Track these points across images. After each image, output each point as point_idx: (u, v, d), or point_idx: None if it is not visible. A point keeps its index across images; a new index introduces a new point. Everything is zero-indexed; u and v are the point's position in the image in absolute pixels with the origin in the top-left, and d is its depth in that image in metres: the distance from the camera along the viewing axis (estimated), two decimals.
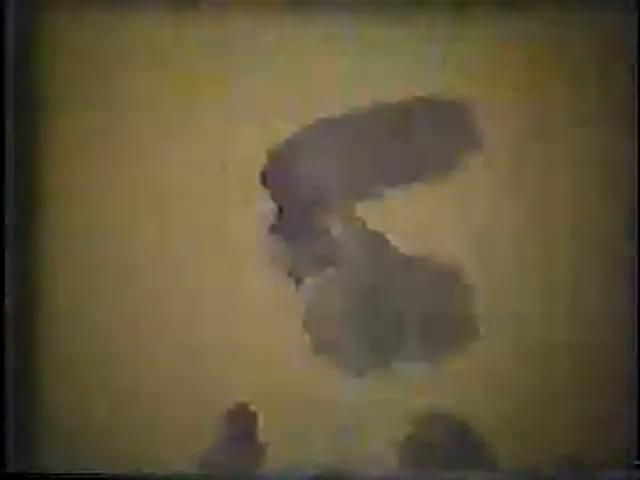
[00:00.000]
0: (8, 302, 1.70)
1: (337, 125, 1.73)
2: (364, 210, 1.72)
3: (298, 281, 1.64)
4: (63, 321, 1.73)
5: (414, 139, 1.74)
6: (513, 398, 1.73)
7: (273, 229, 1.69)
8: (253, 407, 1.72)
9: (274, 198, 1.70)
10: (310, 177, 1.72)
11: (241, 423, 1.71)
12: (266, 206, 1.72)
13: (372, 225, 1.72)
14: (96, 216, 1.74)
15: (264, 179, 1.71)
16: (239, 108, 1.73)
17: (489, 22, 1.74)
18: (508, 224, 1.73)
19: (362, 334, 1.71)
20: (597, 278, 1.74)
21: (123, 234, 1.73)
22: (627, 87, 1.74)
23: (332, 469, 1.70)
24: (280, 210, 1.67)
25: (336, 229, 1.71)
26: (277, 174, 1.72)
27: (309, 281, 1.72)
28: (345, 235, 1.71)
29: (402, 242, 1.72)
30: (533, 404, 1.73)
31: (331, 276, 1.72)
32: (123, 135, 1.74)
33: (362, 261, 1.72)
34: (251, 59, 1.74)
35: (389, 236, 1.72)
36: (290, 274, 1.68)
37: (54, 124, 1.74)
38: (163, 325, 1.73)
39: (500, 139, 1.74)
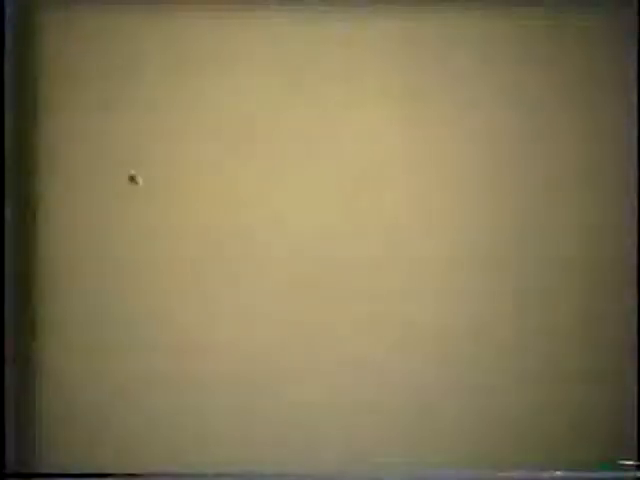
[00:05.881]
0: (8, 303, 1.70)
1: None
2: None
3: None
4: (63, 322, 1.73)
5: None
6: (514, 399, 1.73)
7: None
8: None
9: None
10: None
11: None
12: None
13: None
14: (97, 218, 1.74)
15: None
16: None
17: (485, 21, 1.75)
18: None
19: None
20: (598, 279, 1.75)
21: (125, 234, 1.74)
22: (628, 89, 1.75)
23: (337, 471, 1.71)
24: None
25: None
26: None
27: None
28: None
29: None
30: (534, 405, 1.73)
31: None
32: (124, 134, 1.75)
33: None
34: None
35: None
36: None
37: (53, 125, 1.74)
38: (161, 325, 1.73)
39: (499, 137, 1.75)
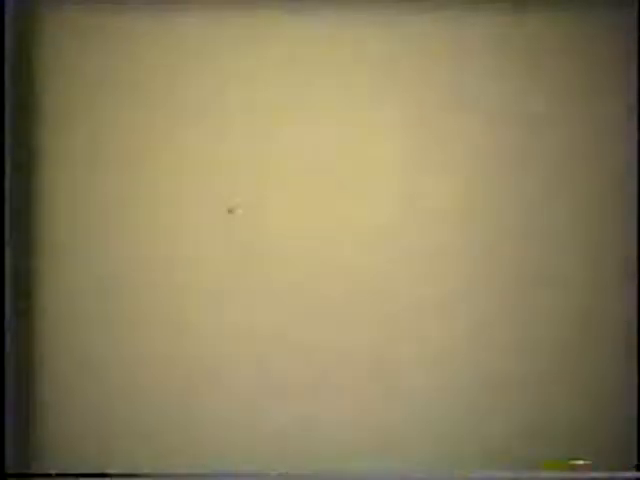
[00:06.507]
0: (8, 304, 1.70)
1: None
2: None
3: None
4: (63, 323, 1.73)
5: None
6: (515, 399, 1.73)
7: None
8: None
9: None
10: None
11: None
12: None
13: None
14: (99, 220, 1.74)
15: None
16: None
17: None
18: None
19: None
20: (600, 279, 1.75)
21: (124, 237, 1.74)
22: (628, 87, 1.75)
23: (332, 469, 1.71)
24: None
25: None
26: None
27: None
28: None
29: None
30: (535, 405, 1.73)
31: None
32: (125, 133, 1.75)
33: None
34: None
35: None
36: None
37: (53, 125, 1.74)
38: (158, 326, 1.73)
39: (498, 138, 1.75)
